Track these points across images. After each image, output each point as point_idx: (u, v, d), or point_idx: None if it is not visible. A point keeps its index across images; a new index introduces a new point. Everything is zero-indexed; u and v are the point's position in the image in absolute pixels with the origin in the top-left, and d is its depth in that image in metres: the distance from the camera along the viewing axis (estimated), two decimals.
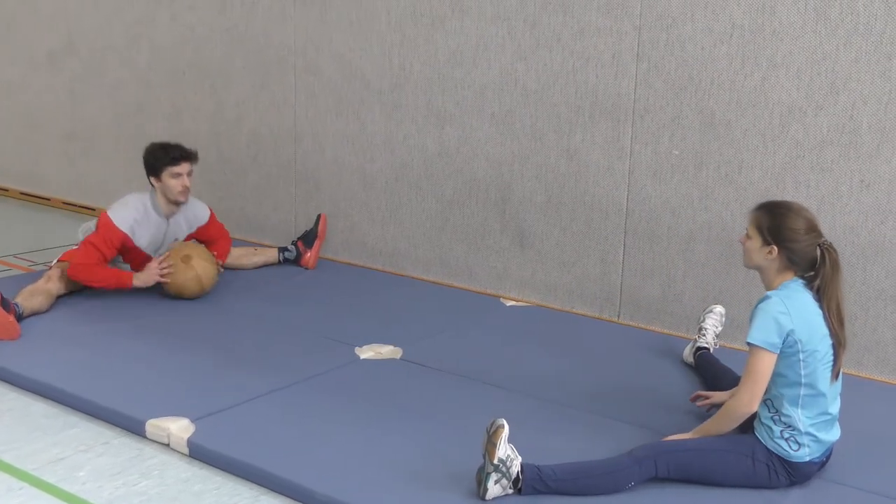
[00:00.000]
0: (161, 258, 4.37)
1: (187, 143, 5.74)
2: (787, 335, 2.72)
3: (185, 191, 4.39)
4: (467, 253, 4.82)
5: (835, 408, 2.86)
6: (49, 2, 6.37)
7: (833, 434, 2.86)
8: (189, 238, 4.64)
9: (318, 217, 5.16)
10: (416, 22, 4.75)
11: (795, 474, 2.81)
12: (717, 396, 3.22)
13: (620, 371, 3.75)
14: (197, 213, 4.62)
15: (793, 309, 2.74)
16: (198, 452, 3.03)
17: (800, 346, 2.73)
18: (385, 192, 5.05)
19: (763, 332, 2.74)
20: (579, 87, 4.30)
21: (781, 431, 2.78)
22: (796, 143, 3.82)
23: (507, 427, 2.69)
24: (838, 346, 2.80)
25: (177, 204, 4.43)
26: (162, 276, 4.33)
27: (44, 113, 6.61)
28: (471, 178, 4.73)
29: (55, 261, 4.54)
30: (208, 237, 4.70)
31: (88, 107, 6.30)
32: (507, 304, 4.55)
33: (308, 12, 5.13)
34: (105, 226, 4.31)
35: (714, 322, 3.78)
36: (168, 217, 4.44)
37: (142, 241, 4.39)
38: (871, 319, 3.77)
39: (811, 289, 2.80)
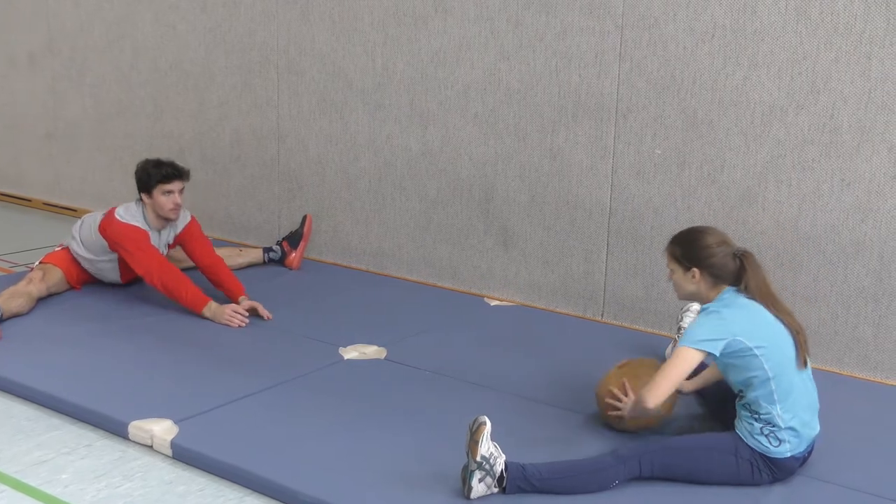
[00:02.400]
0: (243, 308, 4.19)
1: (170, 143, 5.77)
2: (732, 341, 2.77)
3: (177, 208, 4.32)
4: (451, 253, 4.82)
5: (811, 398, 2.88)
6: (29, 2, 6.33)
7: (813, 427, 2.87)
8: (174, 244, 4.54)
9: (304, 218, 5.15)
10: (399, 22, 4.75)
11: (778, 470, 2.82)
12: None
13: (604, 370, 3.75)
14: (182, 219, 4.51)
15: (729, 315, 2.81)
16: (181, 454, 3.02)
17: (751, 344, 2.77)
18: (369, 192, 5.05)
19: (695, 335, 2.80)
20: (562, 87, 4.31)
21: (761, 428, 2.80)
22: (778, 142, 3.84)
23: (489, 424, 2.69)
24: (796, 333, 2.85)
25: (167, 220, 4.39)
26: (236, 321, 4.11)
27: (24, 113, 6.56)
28: (454, 177, 4.73)
29: (37, 262, 4.52)
30: (192, 244, 4.50)
31: (69, 107, 6.27)
32: (491, 304, 4.55)
33: (291, 12, 5.12)
34: (130, 231, 4.26)
35: (692, 320, 3.80)
36: (159, 230, 4.41)
37: None
38: (852, 317, 3.80)
39: (743, 293, 2.87)
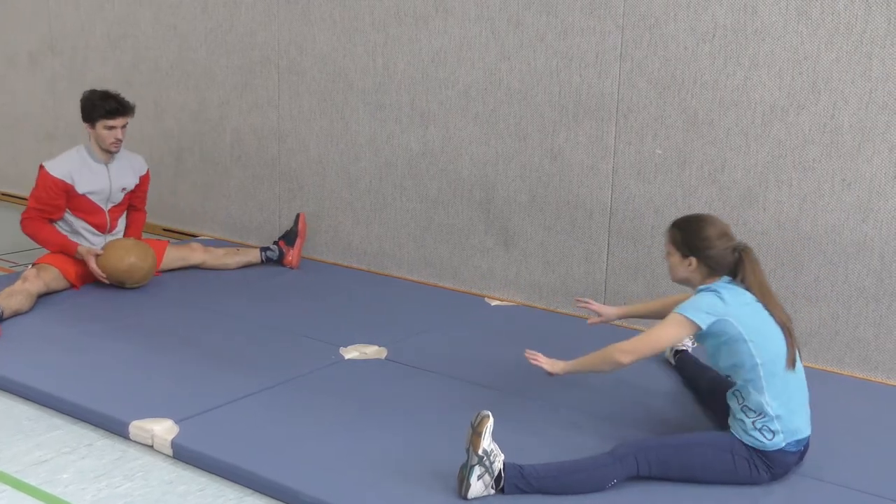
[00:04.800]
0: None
1: (171, 142, 5.78)
2: (723, 321, 2.77)
3: (117, 143, 4.46)
4: (452, 253, 4.82)
5: (802, 398, 2.86)
6: (29, 2, 6.33)
7: (803, 421, 2.85)
8: (138, 186, 4.71)
9: (297, 216, 5.15)
10: (400, 22, 4.75)
11: (774, 466, 2.82)
12: (605, 313, 3.44)
13: (605, 371, 3.75)
14: (140, 163, 4.72)
15: (727, 297, 2.81)
16: (182, 454, 3.02)
17: (742, 330, 2.77)
18: (369, 192, 5.05)
19: (691, 309, 2.82)
20: (563, 87, 4.31)
21: (753, 422, 2.79)
22: (778, 142, 3.84)
23: (492, 418, 2.69)
24: (787, 334, 2.84)
25: (109, 152, 4.49)
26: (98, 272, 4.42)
27: (24, 113, 6.57)
28: (455, 177, 4.73)
29: (31, 265, 4.52)
30: (138, 192, 4.73)
31: (69, 107, 6.26)
32: (492, 304, 4.55)
33: (291, 12, 5.12)
34: (42, 178, 4.42)
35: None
36: (107, 164, 4.51)
37: (84, 187, 4.46)
38: (853, 317, 3.80)
39: (740, 285, 2.88)
